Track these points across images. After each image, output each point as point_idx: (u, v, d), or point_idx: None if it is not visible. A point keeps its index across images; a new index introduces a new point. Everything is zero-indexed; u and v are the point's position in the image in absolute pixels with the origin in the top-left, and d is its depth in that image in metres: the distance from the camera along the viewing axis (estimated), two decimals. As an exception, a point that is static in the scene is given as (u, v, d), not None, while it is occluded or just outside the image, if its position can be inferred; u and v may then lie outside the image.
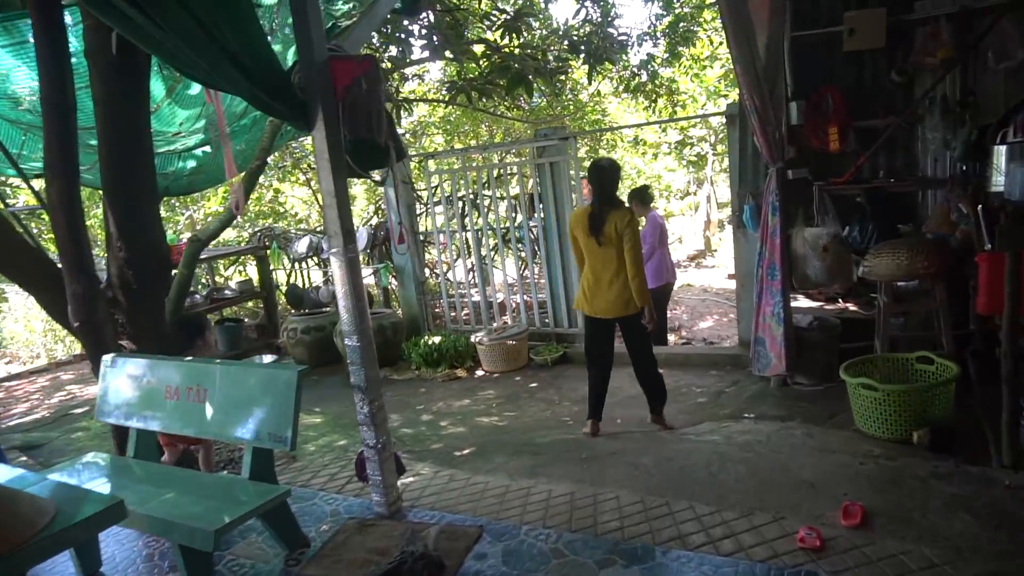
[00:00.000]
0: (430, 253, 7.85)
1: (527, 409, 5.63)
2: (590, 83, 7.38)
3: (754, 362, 4.88)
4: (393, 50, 8.80)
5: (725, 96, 11.78)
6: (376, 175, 3.60)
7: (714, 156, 12.74)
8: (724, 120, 11.77)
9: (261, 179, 12.14)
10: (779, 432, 4.07)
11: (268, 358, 7.99)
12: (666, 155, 13.35)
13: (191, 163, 5.90)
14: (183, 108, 4.84)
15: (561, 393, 5.89)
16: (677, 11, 8.74)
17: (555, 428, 4.96)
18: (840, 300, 5.17)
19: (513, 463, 3.94)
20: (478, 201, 7.31)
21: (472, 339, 6.87)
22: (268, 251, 8.88)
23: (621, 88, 10.08)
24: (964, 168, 4.27)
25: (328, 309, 8.22)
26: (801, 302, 5.14)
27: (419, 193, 7.80)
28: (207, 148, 5.66)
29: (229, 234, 12.78)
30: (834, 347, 4.77)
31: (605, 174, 4.11)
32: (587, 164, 13.34)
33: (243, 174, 5.45)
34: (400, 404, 6.10)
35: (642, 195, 6.71)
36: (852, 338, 4.77)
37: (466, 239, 7.47)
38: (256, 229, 9.82)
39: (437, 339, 7.09)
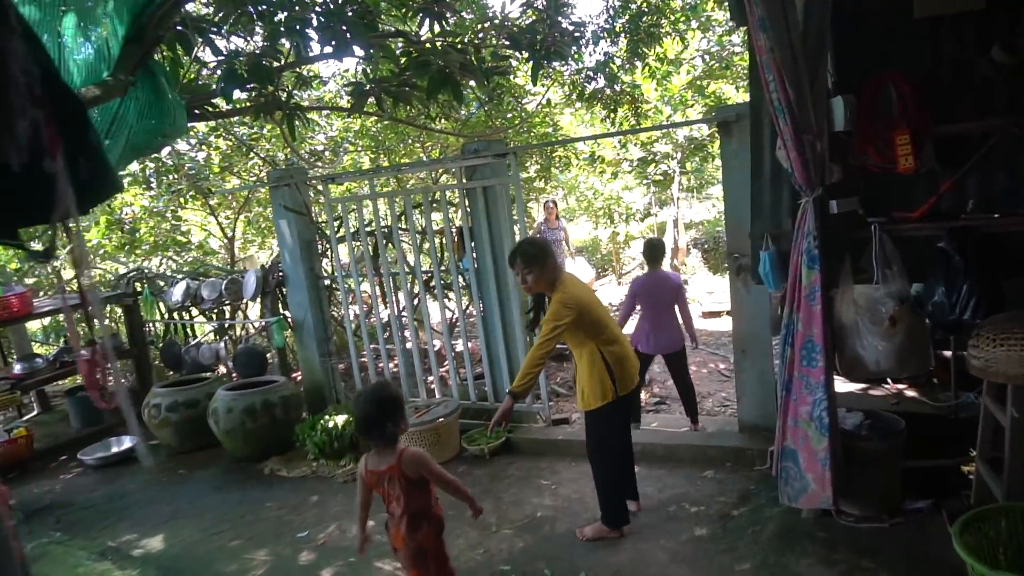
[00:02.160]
0: (336, 304, 6.14)
1: (451, 541, 3.92)
2: (535, 83, 5.77)
3: (781, 485, 3.28)
4: (286, 44, 7.10)
5: (691, 106, 10.36)
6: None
7: (681, 173, 11.29)
8: (704, 131, 10.40)
9: (158, 205, 10.29)
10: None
11: (128, 442, 6.13)
12: (627, 173, 11.87)
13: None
14: None
15: (500, 510, 4.21)
16: (639, 1, 7.23)
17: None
18: (889, 379, 3.63)
19: None
20: (393, 237, 5.61)
21: (385, 423, 5.13)
22: (138, 298, 7.02)
23: (574, 96, 8.53)
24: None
25: (208, 375, 6.40)
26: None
27: (320, 225, 6.07)
28: None
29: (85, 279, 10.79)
30: (898, 461, 3.20)
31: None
32: (538, 186, 11.81)
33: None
34: (275, 526, 4.35)
35: (650, 251, 5.20)
36: (920, 445, 3.21)
37: (380, 285, 5.76)
38: (127, 271, 7.91)
39: (341, 419, 5.33)
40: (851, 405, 3.45)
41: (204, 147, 9.89)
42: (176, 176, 9.70)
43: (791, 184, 3.05)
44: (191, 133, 9.67)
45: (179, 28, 4.90)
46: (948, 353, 3.40)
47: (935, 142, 3.10)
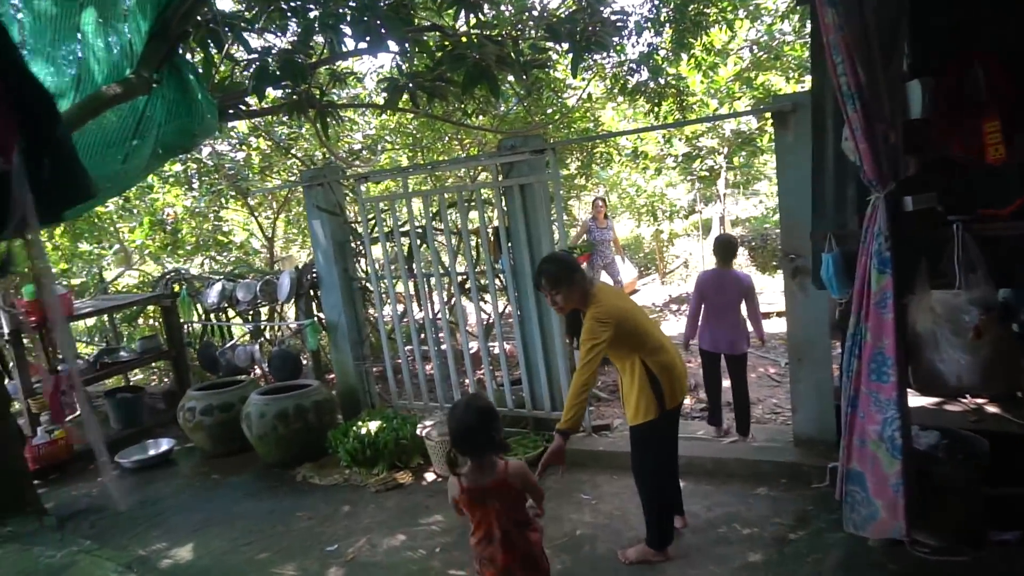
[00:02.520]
0: (371, 305, 5.98)
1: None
2: (575, 76, 5.51)
3: (846, 511, 2.97)
4: (320, 40, 7.02)
5: (739, 99, 9.94)
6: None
7: (727, 169, 10.86)
8: (753, 124, 9.95)
9: (200, 205, 10.35)
10: None
11: (165, 444, 6.10)
12: (671, 169, 11.49)
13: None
14: None
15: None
16: (687, -12, 6.90)
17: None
18: (968, 394, 3.28)
19: None
20: (428, 237, 5.43)
21: (419, 431, 4.95)
22: (176, 299, 7.01)
23: (616, 90, 8.23)
24: None
25: (242, 378, 6.32)
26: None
27: (355, 225, 5.93)
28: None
29: (129, 279, 10.94)
30: (981, 487, 2.87)
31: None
32: (579, 183, 11.54)
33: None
34: (304, 538, 4.20)
35: (723, 249, 4.95)
36: (1005, 468, 2.88)
37: (414, 287, 5.58)
38: (165, 272, 7.91)
39: (375, 425, 5.18)
40: (925, 422, 3.12)
41: (244, 147, 9.89)
42: (216, 176, 9.72)
43: (858, 179, 2.75)
44: (229, 133, 9.70)
45: (210, 25, 4.82)
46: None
47: (1029, 131, 2.71)
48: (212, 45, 4.90)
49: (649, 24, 7.21)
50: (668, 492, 3.52)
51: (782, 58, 9.79)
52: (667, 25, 7.25)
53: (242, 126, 9.53)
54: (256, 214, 10.57)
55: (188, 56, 5.42)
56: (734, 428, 4.90)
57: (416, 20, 6.23)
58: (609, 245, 9.62)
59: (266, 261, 10.97)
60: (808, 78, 9.39)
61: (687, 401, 6.64)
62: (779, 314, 8.79)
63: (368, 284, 5.82)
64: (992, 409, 3.23)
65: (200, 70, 5.37)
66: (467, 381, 5.55)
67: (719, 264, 4.87)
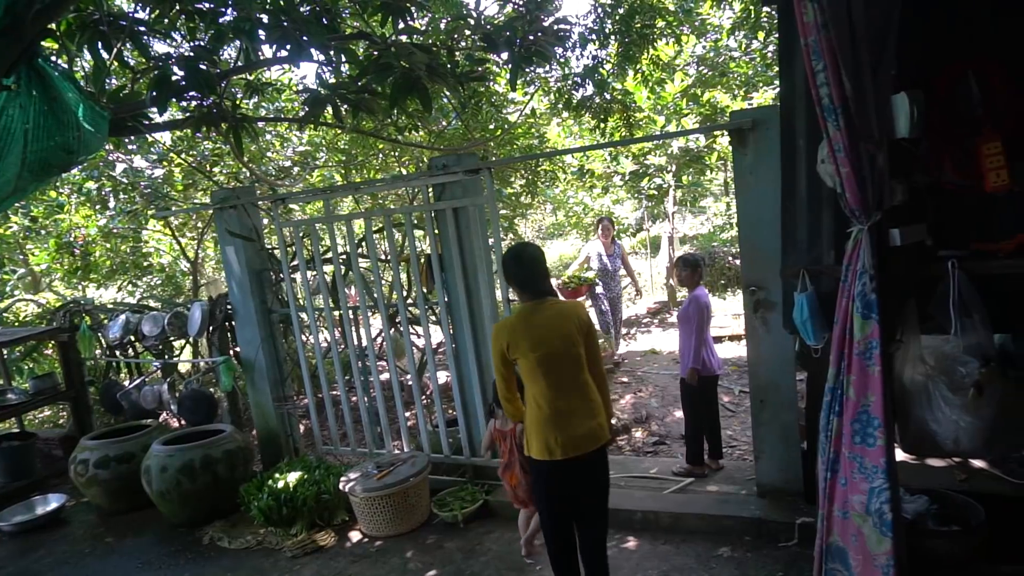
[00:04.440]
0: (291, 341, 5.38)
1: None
2: (513, 88, 5.07)
3: (826, 593, 2.55)
4: (232, 48, 6.42)
5: (687, 115, 9.69)
6: None
7: (676, 187, 10.60)
8: (701, 142, 9.65)
9: (112, 224, 9.52)
10: None
11: (55, 502, 5.36)
12: (618, 188, 11.18)
13: None
14: None
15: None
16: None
17: None
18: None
19: None
20: (353, 265, 4.88)
21: (342, 486, 4.37)
22: (76, 334, 6.25)
23: (560, 105, 7.84)
24: None
25: (148, 423, 5.63)
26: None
27: (273, 252, 5.34)
28: None
29: (33, 306, 9.99)
30: (979, 564, 2.49)
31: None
32: (525, 201, 11.04)
33: None
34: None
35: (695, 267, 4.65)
36: (1002, 541, 2.50)
37: (339, 319, 5.01)
38: (66, 302, 7.13)
39: (294, 477, 4.58)
40: (907, 481, 2.74)
41: (164, 163, 9.14)
42: (134, 195, 8.94)
43: (835, 207, 2.36)
44: (149, 149, 8.96)
45: (100, 27, 4.22)
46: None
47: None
48: (104, 48, 4.30)
49: (594, 36, 6.85)
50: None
51: (728, 75, 9.60)
52: (612, 38, 6.91)
53: (165, 140, 8.82)
54: (176, 236, 9.79)
55: (67, 60, 4.79)
56: (683, 460, 4.65)
57: (343, 28, 5.72)
58: (618, 277, 7.88)
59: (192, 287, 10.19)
60: (755, 95, 9.30)
61: (638, 435, 6.24)
62: (731, 338, 8.50)
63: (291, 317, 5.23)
64: (978, 463, 2.88)
65: (87, 77, 4.73)
66: (398, 422, 5.00)
67: (693, 284, 4.57)
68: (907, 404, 2.37)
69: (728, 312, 9.81)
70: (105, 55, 4.41)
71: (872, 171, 2.09)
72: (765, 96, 8.92)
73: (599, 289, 7.73)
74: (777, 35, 2.92)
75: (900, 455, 3.03)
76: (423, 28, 6.69)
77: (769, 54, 8.76)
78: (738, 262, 6.49)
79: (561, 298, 2.99)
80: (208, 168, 8.81)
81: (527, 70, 6.55)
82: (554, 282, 8.04)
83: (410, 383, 4.82)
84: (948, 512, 2.53)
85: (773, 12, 6.13)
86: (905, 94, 2.14)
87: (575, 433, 2.70)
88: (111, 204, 9.23)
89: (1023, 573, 2.55)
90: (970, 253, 2.36)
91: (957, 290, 2.22)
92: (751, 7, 7.14)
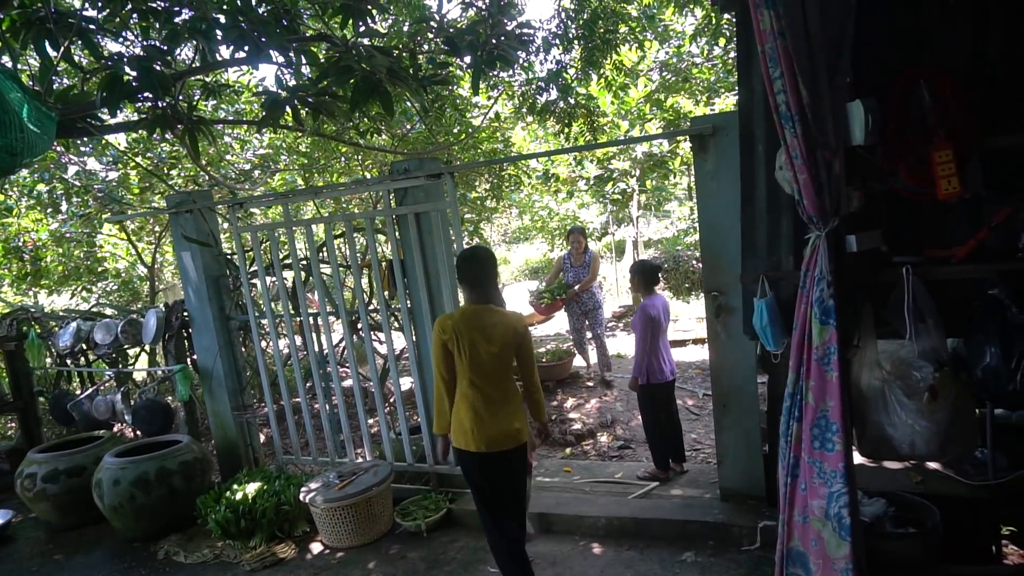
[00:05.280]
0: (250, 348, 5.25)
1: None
2: (476, 92, 5.03)
3: (788, 598, 2.56)
4: (188, 48, 6.26)
5: (650, 120, 9.77)
6: None
7: (640, 192, 10.67)
8: (664, 147, 9.67)
9: (63, 229, 9.22)
10: None
11: (1, 517, 5.15)
12: (583, 192, 11.21)
13: None
14: None
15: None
16: (594, 4, 6.58)
17: None
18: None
19: None
20: (313, 270, 4.79)
21: (302, 496, 4.28)
22: (24, 343, 6.03)
23: (525, 109, 7.84)
24: None
25: (101, 434, 5.45)
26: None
27: (232, 258, 5.22)
28: None
29: None
30: (936, 565, 2.52)
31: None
32: (490, 205, 10.99)
33: None
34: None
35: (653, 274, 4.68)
36: (957, 541, 2.54)
37: (299, 326, 4.91)
38: (11, 310, 6.88)
39: (253, 488, 4.47)
40: (865, 484, 2.77)
41: (120, 166, 8.88)
42: (87, 198, 8.67)
43: (794, 213, 2.37)
44: (104, 151, 8.70)
45: (47, 25, 4.08)
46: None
47: (983, 159, 2.37)
48: (50, 46, 4.16)
49: (557, 41, 6.86)
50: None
51: (691, 80, 9.71)
52: (576, 43, 6.92)
53: (120, 141, 8.57)
54: (132, 240, 9.53)
55: (11, 59, 4.62)
56: (648, 464, 4.70)
57: (303, 29, 5.62)
58: (593, 290, 7.52)
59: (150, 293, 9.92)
60: (718, 101, 9.41)
61: (603, 439, 6.25)
62: (695, 341, 8.58)
63: (248, 324, 5.11)
64: (933, 465, 2.93)
65: (33, 76, 4.57)
66: (360, 429, 4.92)
67: (649, 290, 4.57)
68: (864, 409, 2.39)
69: (692, 316, 9.90)
70: (53, 53, 4.27)
71: (829, 178, 2.11)
72: (727, 102, 9.03)
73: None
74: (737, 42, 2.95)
75: (858, 459, 3.06)
76: (386, 31, 6.63)
77: (730, 60, 8.87)
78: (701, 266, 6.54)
79: (508, 309, 3.12)
80: (165, 171, 8.59)
81: (490, 74, 6.54)
82: (527, 297, 7.89)
83: (372, 390, 4.75)
84: (905, 514, 2.56)
85: (734, 19, 6.21)
86: (860, 102, 2.16)
87: (490, 433, 2.93)
88: (63, 207, 8.96)
89: (975, 573, 2.59)
90: (924, 259, 2.39)
91: (912, 295, 2.26)
92: (712, 14, 7.22)
